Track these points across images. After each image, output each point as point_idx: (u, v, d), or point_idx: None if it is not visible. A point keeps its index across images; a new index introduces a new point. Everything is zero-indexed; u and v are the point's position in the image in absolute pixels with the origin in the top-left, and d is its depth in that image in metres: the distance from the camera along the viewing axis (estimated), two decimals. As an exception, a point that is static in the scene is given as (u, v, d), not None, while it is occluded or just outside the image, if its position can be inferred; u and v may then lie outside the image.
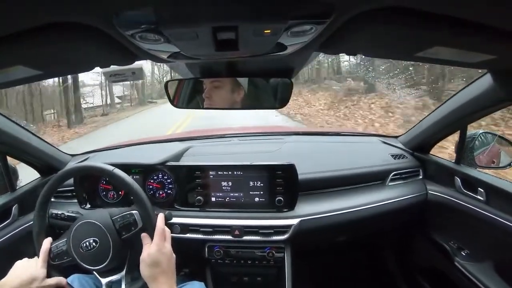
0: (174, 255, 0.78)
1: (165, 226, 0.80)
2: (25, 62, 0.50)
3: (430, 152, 1.28)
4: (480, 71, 0.86)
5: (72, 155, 1.37)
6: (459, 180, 1.09)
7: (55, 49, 0.46)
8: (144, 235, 0.77)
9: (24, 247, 0.99)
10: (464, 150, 1.09)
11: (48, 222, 0.87)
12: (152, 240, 0.76)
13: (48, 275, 0.79)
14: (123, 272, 0.79)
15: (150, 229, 0.78)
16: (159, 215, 0.80)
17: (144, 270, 0.73)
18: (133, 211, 0.79)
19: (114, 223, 0.78)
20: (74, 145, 7.10)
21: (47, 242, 0.81)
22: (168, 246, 0.77)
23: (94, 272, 0.80)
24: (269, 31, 0.43)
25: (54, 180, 0.84)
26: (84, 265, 0.78)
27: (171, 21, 0.39)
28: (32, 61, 0.50)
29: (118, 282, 0.80)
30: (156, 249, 0.74)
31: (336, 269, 1.64)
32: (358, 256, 1.69)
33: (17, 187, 1.13)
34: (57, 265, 0.81)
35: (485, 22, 0.40)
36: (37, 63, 0.52)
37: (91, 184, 1.14)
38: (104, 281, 0.80)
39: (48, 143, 1.23)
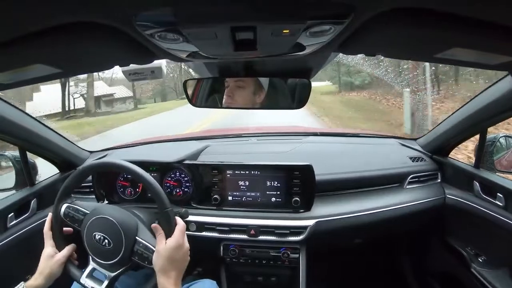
0: (189, 254, 0.80)
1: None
2: (44, 60, 0.52)
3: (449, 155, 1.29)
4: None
5: (91, 152, 1.44)
6: (478, 184, 1.11)
7: (74, 48, 0.49)
8: (155, 226, 0.79)
9: (41, 240, 1.05)
10: (483, 154, 1.10)
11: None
12: (163, 231, 0.78)
13: (59, 248, 0.84)
14: (112, 275, 0.81)
15: (164, 222, 0.79)
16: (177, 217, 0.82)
17: (157, 261, 0.75)
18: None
19: (135, 243, 0.79)
20: None
21: (49, 215, 0.86)
22: (187, 244, 0.79)
23: (90, 255, 0.83)
24: (287, 31, 0.44)
25: (74, 175, 0.88)
26: (88, 248, 0.81)
27: (190, 21, 0.40)
28: (51, 59, 0.52)
29: (100, 277, 0.82)
30: (176, 244, 0.76)
31: (350, 271, 1.66)
32: (372, 259, 1.71)
33: (36, 182, 1.20)
34: (65, 224, 0.85)
35: (504, 22, 0.40)
36: (56, 62, 0.54)
37: (109, 180, 1.19)
38: (93, 264, 0.82)
39: (67, 139, 1.28)
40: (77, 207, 0.85)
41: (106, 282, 0.80)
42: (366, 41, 0.52)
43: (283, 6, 0.38)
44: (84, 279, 0.81)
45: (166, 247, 0.75)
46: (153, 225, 0.79)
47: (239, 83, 0.91)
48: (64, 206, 0.86)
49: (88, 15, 0.39)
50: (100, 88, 16.68)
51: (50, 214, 0.87)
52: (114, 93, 17.65)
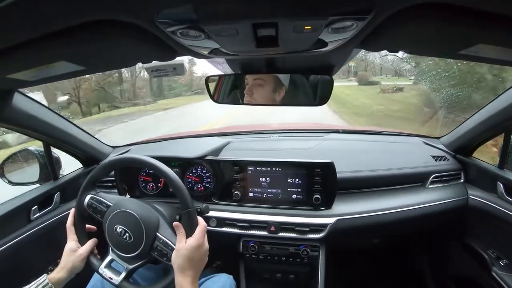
0: (207, 254, 0.82)
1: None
2: (68, 57, 0.54)
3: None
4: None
5: (114, 147, 1.48)
6: (501, 185, 1.11)
7: (97, 46, 0.51)
8: (177, 224, 0.81)
9: (64, 233, 1.10)
10: (508, 154, 1.10)
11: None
12: (184, 230, 0.80)
13: (81, 243, 0.88)
14: (130, 267, 0.84)
15: (186, 221, 0.81)
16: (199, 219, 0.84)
17: (176, 259, 0.77)
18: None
19: (156, 239, 0.81)
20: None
21: (72, 211, 0.90)
22: (206, 245, 0.81)
23: (110, 246, 0.86)
24: (309, 27, 0.45)
25: (100, 168, 0.92)
26: (108, 240, 0.84)
27: (211, 18, 0.41)
28: (75, 57, 0.55)
29: (119, 268, 0.85)
30: (196, 245, 0.77)
31: (368, 270, 1.67)
32: (391, 260, 1.72)
33: (60, 176, 1.24)
34: (87, 215, 0.88)
35: None
36: (80, 59, 0.57)
37: (131, 175, 1.23)
38: (112, 255, 0.86)
39: (90, 134, 1.33)
40: (100, 198, 0.89)
41: (123, 274, 0.83)
42: (388, 37, 0.52)
43: (304, 3, 0.39)
44: (102, 269, 0.85)
45: (186, 246, 0.77)
46: (175, 223, 0.82)
47: (258, 81, 0.92)
48: (88, 197, 0.90)
49: (111, 13, 0.40)
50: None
51: (72, 210, 0.91)
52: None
